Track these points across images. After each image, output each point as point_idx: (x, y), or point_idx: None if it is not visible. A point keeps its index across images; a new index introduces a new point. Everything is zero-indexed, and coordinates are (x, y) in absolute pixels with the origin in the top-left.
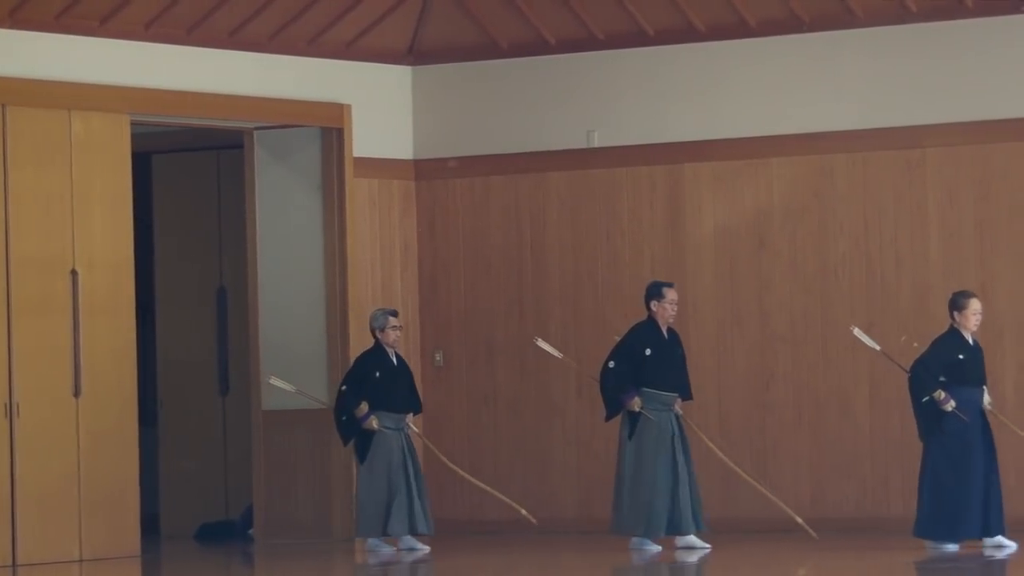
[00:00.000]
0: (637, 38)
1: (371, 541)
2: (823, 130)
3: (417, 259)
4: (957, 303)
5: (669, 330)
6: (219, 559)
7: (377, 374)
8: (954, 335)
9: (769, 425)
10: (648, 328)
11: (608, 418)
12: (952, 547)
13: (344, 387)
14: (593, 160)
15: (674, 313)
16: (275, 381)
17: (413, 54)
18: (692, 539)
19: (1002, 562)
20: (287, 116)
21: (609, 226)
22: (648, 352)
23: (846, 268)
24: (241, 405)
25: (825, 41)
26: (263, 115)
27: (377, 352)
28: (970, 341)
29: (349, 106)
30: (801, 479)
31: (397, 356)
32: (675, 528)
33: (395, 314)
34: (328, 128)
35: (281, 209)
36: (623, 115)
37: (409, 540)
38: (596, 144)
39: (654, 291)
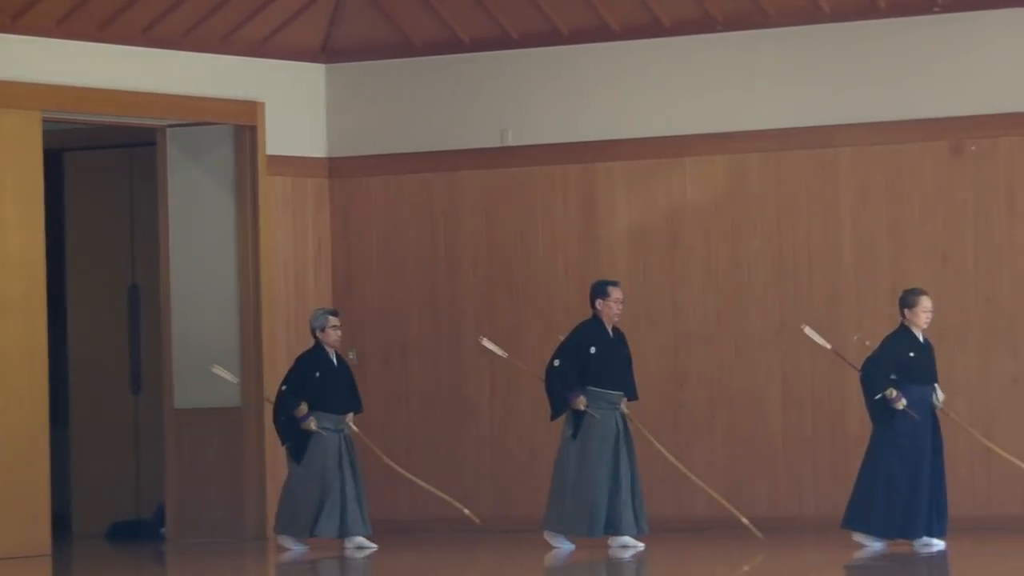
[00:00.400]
0: (551, 37)
1: (283, 538)
2: (736, 129)
3: (331, 257)
4: (908, 301)
5: (614, 329)
6: (131, 558)
7: (317, 374)
8: (905, 333)
9: (682, 423)
10: (593, 326)
11: (553, 417)
12: (879, 544)
13: (284, 387)
14: (507, 159)
15: (619, 312)
16: (218, 371)
17: (327, 52)
18: (626, 539)
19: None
20: (200, 114)
21: (523, 225)
22: (593, 351)
23: (759, 267)
24: (153, 404)
25: (739, 41)
26: (176, 112)
27: (317, 352)
28: (921, 339)
29: (262, 104)
30: (715, 477)
31: (337, 356)
32: (613, 528)
33: (335, 314)
34: (241, 126)
35: (194, 207)
36: (537, 114)
37: (356, 539)
38: (510, 143)
39: (599, 290)
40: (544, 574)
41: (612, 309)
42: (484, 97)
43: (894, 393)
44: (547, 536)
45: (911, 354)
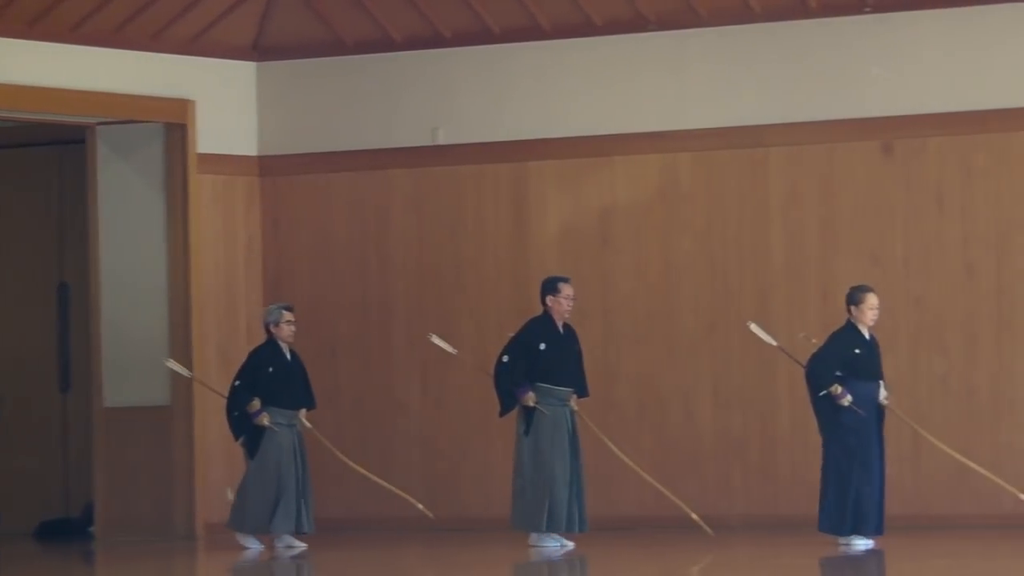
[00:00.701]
0: (483, 36)
1: (240, 536)
2: (667, 129)
3: (261, 255)
4: (854, 298)
5: (565, 325)
6: (58, 557)
7: (270, 369)
8: (851, 330)
9: (612, 423)
10: (543, 323)
11: (502, 413)
12: (865, 543)
13: (237, 382)
14: (438, 157)
15: (570, 308)
16: (172, 365)
17: (258, 50)
18: (543, 537)
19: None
20: (130, 111)
21: (453, 223)
22: (543, 347)
23: (689, 266)
24: (82, 402)
25: (670, 40)
26: (106, 110)
27: (270, 347)
28: (867, 336)
29: (193, 102)
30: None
31: (291, 351)
32: (566, 525)
33: (290, 309)
34: (172, 124)
35: (124, 205)
36: (468, 113)
37: (287, 538)
38: (441, 141)
39: (549, 286)
40: (513, 571)
41: (563, 306)
42: (415, 96)
43: (839, 389)
44: (530, 538)
45: (857, 351)
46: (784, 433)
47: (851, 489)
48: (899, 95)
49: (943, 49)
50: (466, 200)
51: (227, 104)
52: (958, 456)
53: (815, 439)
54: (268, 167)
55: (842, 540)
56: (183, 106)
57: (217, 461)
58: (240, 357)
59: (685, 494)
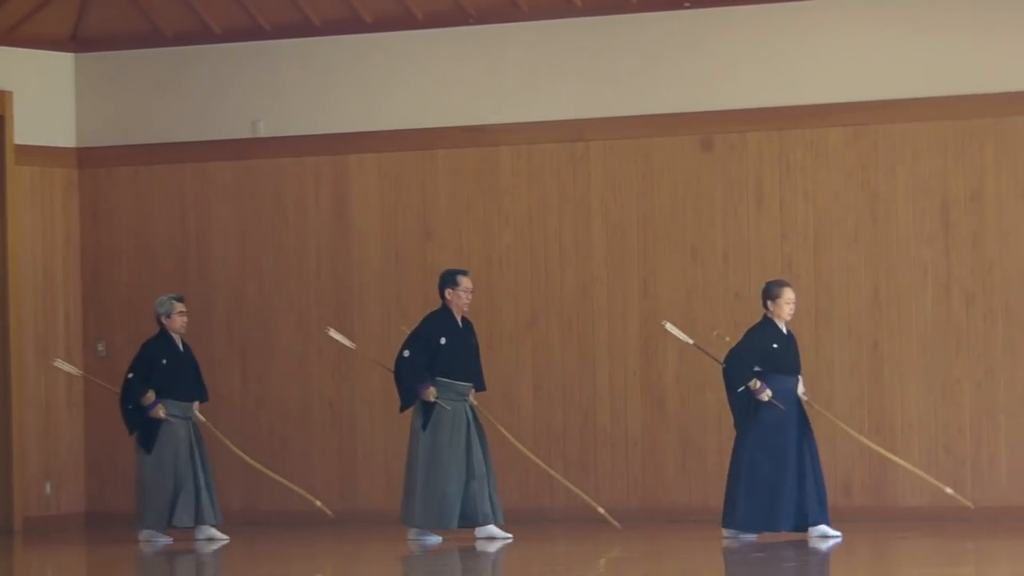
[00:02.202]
0: (304, 28)
1: (146, 532)
2: (488, 122)
3: (80, 248)
4: (771, 292)
5: (463, 319)
6: None
7: (164, 361)
8: (767, 324)
9: None
10: (442, 316)
11: (403, 408)
12: (750, 537)
13: (130, 375)
14: (258, 150)
15: (468, 301)
16: (60, 364)
17: (76, 41)
18: (492, 529)
19: (826, 553)
20: None
21: (274, 216)
22: (443, 341)
23: (510, 260)
24: None
25: (490, 34)
26: None
27: (163, 339)
28: (784, 330)
29: (10, 93)
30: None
31: (183, 343)
32: (470, 520)
33: (181, 299)
34: None
35: None
36: (289, 105)
37: (208, 530)
38: (261, 134)
39: (448, 279)
40: (401, 566)
41: (462, 299)
42: (236, 88)
43: (758, 384)
44: (409, 533)
45: (775, 345)
46: (604, 427)
47: (764, 486)
48: (717, 90)
49: (761, 44)
50: (287, 193)
51: (45, 95)
52: (879, 449)
53: (637, 428)
54: (87, 159)
55: (733, 535)
56: (0, 97)
57: (34, 455)
58: (55, 350)
59: (506, 487)
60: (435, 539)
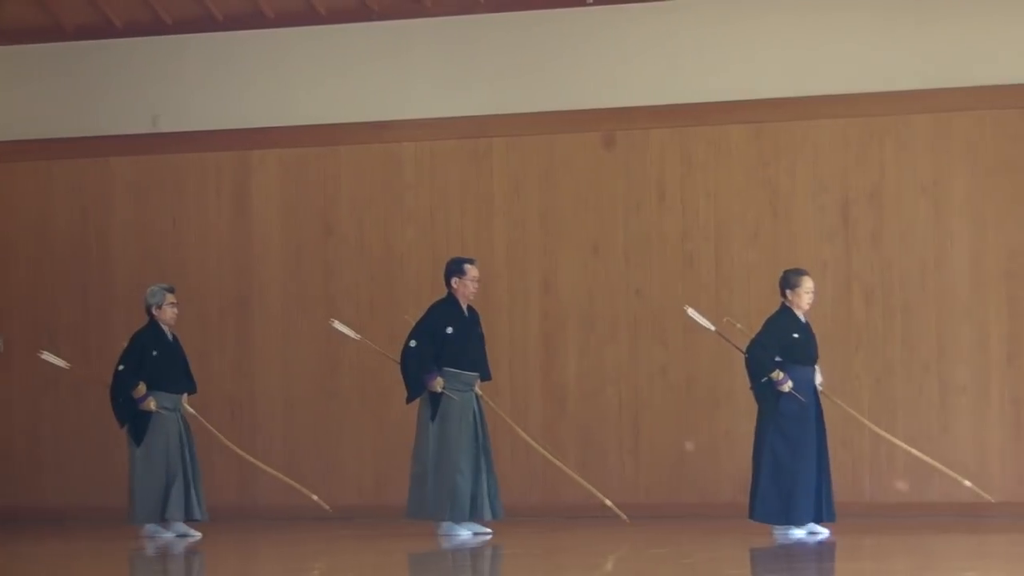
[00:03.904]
0: (205, 23)
1: (149, 527)
2: (391, 118)
3: None
4: (790, 281)
5: (469, 308)
6: None
7: (154, 353)
8: (787, 314)
9: (334, 412)
10: (449, 306)
11: (409, 400)
12: (798, 532)
13: (121, 367)
14: (159, 145)
15: (475, 290)
16: (48, 357)
17: None
18: (454, 526)
19: (829, 547)
20: None
21: (176, 211)
22: (449, 330)
23: (412, 256)
24: None
25: (394, 30)
26: None
27: (153, 330)
28: (803, 320)
29: None
30: (364, 466)
31: (173, 335)
32: (477, 512)
33: (172, 290)
34: None
35: None
36: (190, 100)
37: (181, 526)
38: (162, 129)
39: (455, 267)
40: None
41: (468, 288)
42: (136, 83)
43: (780, 375)
44: (440, 527)
45: (795, 335)
46: (505, 423)
47: (788, 478)
48: (620, 87)
49: (663, 42)
50: (188, 188)
51: None
52: (894, 439)
53: (538, 425)
54: None
55: (778, 530)
56: None
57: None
58: None
59: (404, 482)
60: (464, 533)
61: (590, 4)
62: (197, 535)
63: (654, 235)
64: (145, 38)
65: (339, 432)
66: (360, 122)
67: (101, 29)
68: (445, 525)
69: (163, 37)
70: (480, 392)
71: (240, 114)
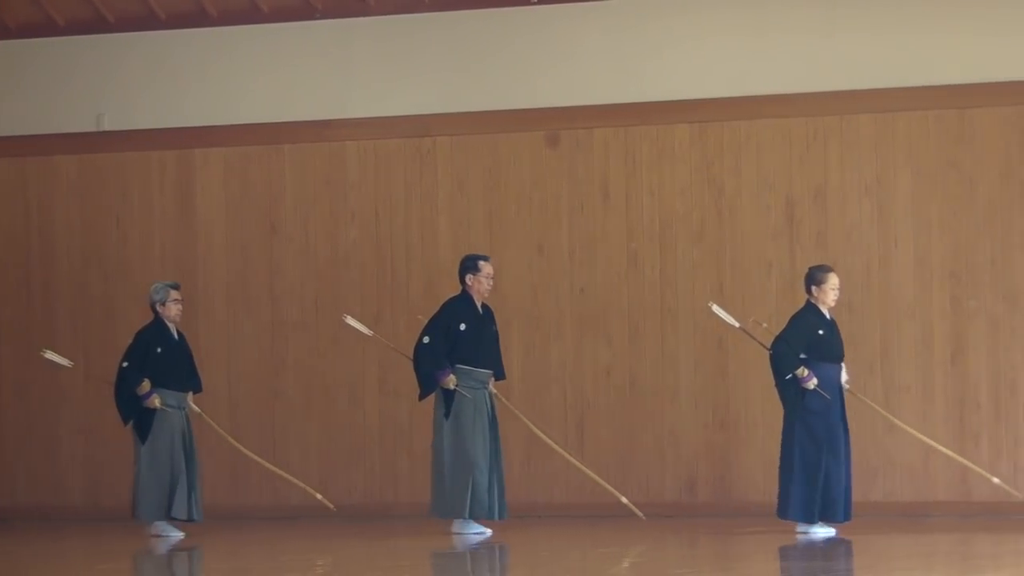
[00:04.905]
0: (148, 21)
1: (158, 524)
2: (335, 117)
3: None
4: (816, 277)
5: (483, 305)
6: None
7: (159, 350)
8: (812, 311)
9: (279, 412)
10: (463, 302)
11: (422, 396)
12: (829, 531)
13: (125, 363)
14: (103, 143)
15: (490, 287)
16: (50, 355)
17: None
18: (470, 524)
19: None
20: None
21: (119, 210)
22: (463, 327)
23: (357, 255)
24: None
25: (337, 28)
26: None
27: (158, 327)
28: (828, 316)
29: None
30: (310, 466)
31: (178, 331)
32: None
33: (177, 287)
34: None
35: None
36: (134, 99)
37: (162, 525)
38: (106, 127)
39: (469, 264)
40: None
41: (483, 284)
42: (80, 81)
43: (805, 372)
44: (453, 524)
45: (820, 332)
46: None
47: (819, 475)
48: (564, 86)
49: (608, 41)
50: (132, 187)
51: None
52: (925, 438)
53: None
54: None
55: (802, 528)
56: None
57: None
58: None
59: (350, 482)
60: (485, 531)
61: (534, 3)
62: (179, 534)
63: (598, 234)
64: (88, 36)
65: (284, 431)
66: (304, 121)
67: (44, 27)
68: (458, 523)
69: (106, 35)
70: (494, 390)
71: (184, 112)
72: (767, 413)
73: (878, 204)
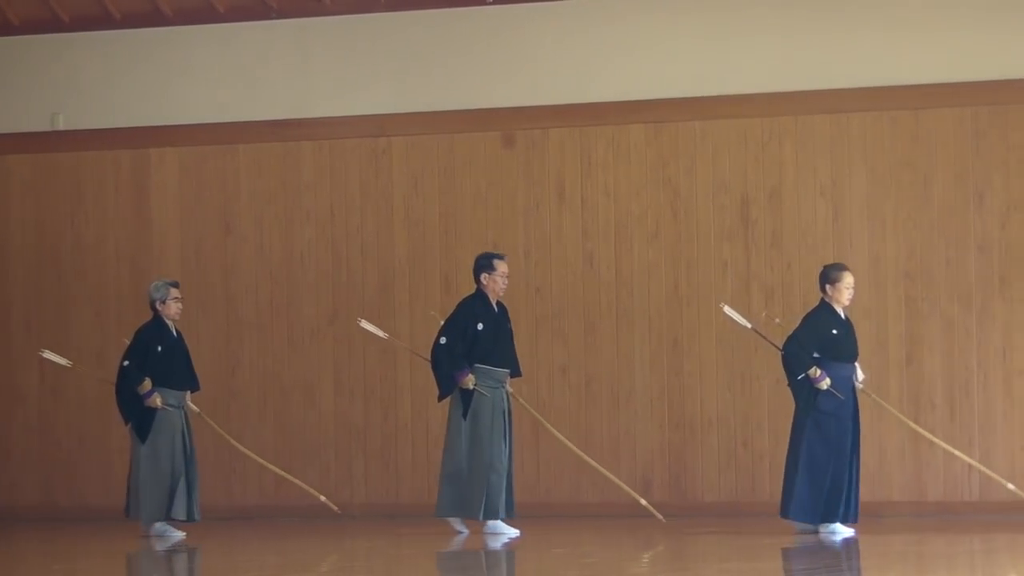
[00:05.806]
0: (104, 21)
1: (158, 526)
2: (290, 117)
3: None
4: (830, 276)
5: (498, 304)
6: None
7: (159, 348)
8: (826, 310)
9: (235, 412)
10: (479, 302)
11: (441, 397)
12: (849, 529)
13: (126, 362)
14: (57, 143)
15: (505, 286)
16: (49, 355)
17: None
18: (499, 524)
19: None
20: None
21: (74, 210)
22: (480, 327)
23: (312, 255)
24: None
25: (293, 28)
26: None
27: (157, 325)
28: (842, 316)
29: None
30: (264, 465)
31: (176, 330)
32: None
33: (176, 285)
34: None
35: None
36: (89, 98)
37: (163, 526)
38: (61, 127)
39: (484, 263)
40: (435, 559)
41: (498, 283)
42: (35, 81)
43: (817, 372)
44: (486, 526)
45: (834, 331)
46: (405, 422)
47: (826, 476)
48: (519, 86)
49: (563, 41)
50: (86, 186)
51: None
52: (938, 441)
53: (435, 429)
54: None
55: (805, 527)
56: None
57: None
58: None
59: (305, 482)
60: (512, 531)
61: (490, 3)
62: (180, 535)
63: (554, 234)
64: (43, 36)
65: (239, 432)
66: (259, 120)
67: None
68: (491, 524)
69: (61, 35)
70: (511, 389)
71: (139, 112)
72: (722, 412)
73: (833, 204)
